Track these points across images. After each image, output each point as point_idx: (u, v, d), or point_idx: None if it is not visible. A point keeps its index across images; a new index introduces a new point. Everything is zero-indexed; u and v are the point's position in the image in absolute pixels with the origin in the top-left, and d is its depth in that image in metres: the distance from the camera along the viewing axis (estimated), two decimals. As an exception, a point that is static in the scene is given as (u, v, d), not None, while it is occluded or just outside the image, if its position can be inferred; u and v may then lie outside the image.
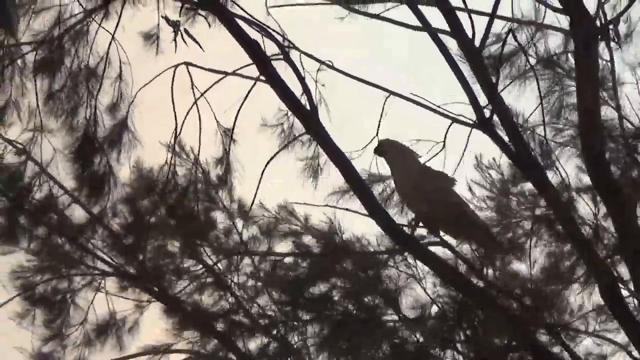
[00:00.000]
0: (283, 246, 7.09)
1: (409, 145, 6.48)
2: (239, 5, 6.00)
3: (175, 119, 6.40)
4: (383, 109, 6.28)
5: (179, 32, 5.97)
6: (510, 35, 6.46)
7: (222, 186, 7.06)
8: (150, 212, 7.04)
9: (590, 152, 6.14)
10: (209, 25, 6.05)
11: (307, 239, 6.92)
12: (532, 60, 7.26)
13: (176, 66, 6.21)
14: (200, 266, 7.28)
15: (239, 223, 7.46)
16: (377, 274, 6.76)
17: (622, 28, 7.09)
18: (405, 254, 6.56)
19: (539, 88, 6.60)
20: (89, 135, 6.43)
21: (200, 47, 6.03)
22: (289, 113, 6.34)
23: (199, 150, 6.69)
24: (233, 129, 6.26)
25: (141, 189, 6.89)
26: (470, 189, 7.03)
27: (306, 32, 7.62)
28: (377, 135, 6.50)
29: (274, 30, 6.00)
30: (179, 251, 7.28)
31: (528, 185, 7.09)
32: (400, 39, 7.23)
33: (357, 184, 5.97)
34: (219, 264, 7.30)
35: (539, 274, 6.90)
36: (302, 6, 7.22)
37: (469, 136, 6.25)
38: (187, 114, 6.26)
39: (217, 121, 6.57)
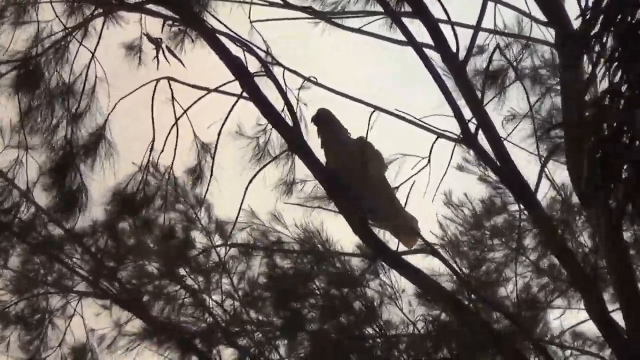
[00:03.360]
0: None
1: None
2: (221, 22, 5.96)
3: (154, 133, 6.32)
4: (369, 124, 6.21)
5: (161, 49, 5.95)
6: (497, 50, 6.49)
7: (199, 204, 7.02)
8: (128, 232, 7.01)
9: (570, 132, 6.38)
10: (192, 41, 6.00)
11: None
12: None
13: (157, 80, 6.12)
14: (179, 286, 7.23)
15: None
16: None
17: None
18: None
19: (528, 100, 6.61)
20: (66, 151, 6.35)
21: (182, 63, 5.99)
22: (267, 127, 6.28)
23: (172, 164, 6.56)
24: (216, 148, 6.15)
25: (117, 208, 6.78)
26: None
27: (294, 47, 7.58)
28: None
29: (257, 47, 5.96)
30: (158, 271, 7.23)
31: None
32: (387, 51, 7.15)
33: (340, 199, 5.96)
34: (198, 284, 7.24)
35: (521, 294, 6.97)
36: (288, 20, 7.13)
37: (453, 150, 6.20)
38: (168, 134, 6.16)
39: (195, 135, 6.48)
